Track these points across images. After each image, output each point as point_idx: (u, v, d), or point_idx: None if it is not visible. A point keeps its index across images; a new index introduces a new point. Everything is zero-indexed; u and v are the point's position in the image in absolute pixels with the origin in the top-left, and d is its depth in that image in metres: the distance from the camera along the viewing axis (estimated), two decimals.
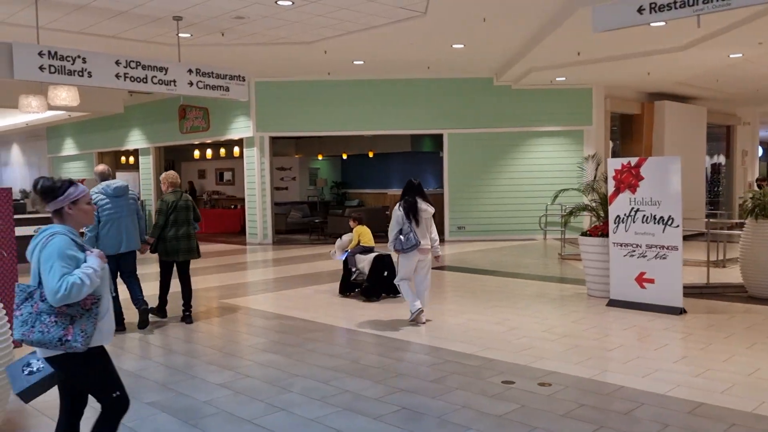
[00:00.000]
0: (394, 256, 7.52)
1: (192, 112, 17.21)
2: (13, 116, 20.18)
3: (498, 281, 9.65)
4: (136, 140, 19.48)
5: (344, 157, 20.12)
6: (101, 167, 7.42)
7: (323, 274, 10.65)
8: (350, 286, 8.61)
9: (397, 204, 6.90)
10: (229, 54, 12.23)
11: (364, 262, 8.36)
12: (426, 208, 6.85)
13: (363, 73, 15.01)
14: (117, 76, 9.18)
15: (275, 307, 8.06)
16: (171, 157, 21.58)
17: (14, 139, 26.33)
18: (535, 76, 14.28)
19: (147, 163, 19.37)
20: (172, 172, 7.64)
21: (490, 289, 8.99)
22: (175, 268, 7.41)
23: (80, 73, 8.86)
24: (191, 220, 7.33)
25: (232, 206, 20.03)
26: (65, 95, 12.05)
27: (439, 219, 17.93)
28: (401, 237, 6.69)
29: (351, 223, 8.86)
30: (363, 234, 8.57)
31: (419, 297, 6.92)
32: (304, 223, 18.68)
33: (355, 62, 13.68)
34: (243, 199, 20.22)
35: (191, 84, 9.95)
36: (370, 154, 19.35)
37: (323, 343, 6.17)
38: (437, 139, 18.45)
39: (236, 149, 18.34)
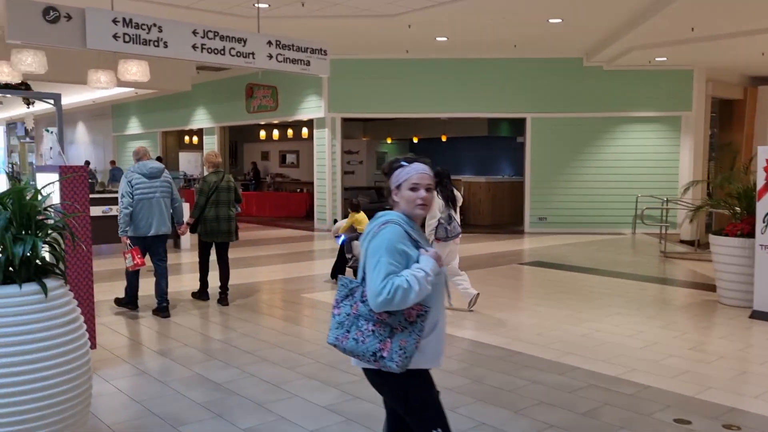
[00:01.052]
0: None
1: (260, 90, 16.55)
2: (79, 93, 19.97)
3: (605, 282, 8.62)
4: (201, 119, 18.98)
5: (415, 140, 19.17)
6: (139, 147, 7.33)
7: None
8: (342, 271, 8.38)
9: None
10: (306, 29, 11.43)
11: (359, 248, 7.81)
12: (458, 196, 6.86)
13: (443, 52, 14.03)
14: (194, 47, 8.46)
15: None
16: (234, 138, 21.07)
17: (80, 117, 26.32)
18: (633, 56, 13.03)
19: (211, 142, 18.85)
20: (212, 152, 7.49)
21: (601, 291, 7.98)
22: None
23: (156, 43, 8.17)
24: (232, 202, 7.18)
25: (298, 190, 19.37)
26: (135, 70, 11.47)
27: (518, 209, 16.95)
28: (446, 226, 6.56)
29: (349, 209, 8.74)
30: (361, 220, 8.45)
31: (452, 277, 6.73)
32: (372, 209, 17.86)
33: (437, 39, 12.70)
34: (307, 183, 19.62)
35: (270, 57, 9.17)
36: (443, 138, 18.34)
37: None
38: (516, 124, 17.37)
39: (304, 130, 17.61)
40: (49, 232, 3.22)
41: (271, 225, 16.29)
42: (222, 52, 8.72)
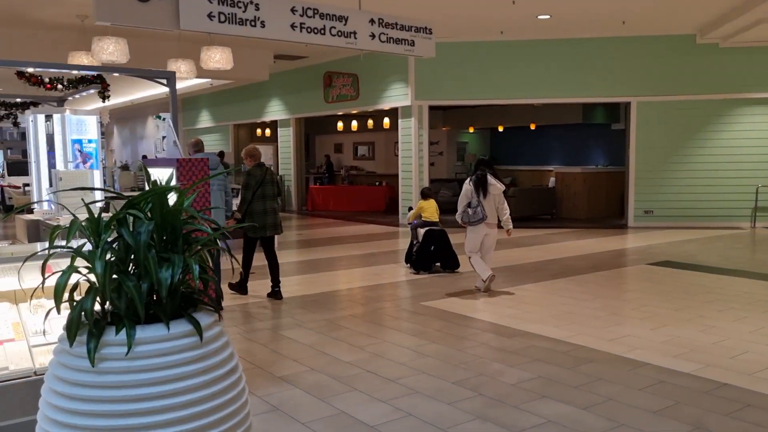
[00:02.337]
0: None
1: (339, 79, 15.74)
2: (153, 87, 19.60)
3: (764, 286, 7.43)
4: (275, 111, 18.32)
5: (500, 129, 18.02)
6: (195, 139, 7.57)
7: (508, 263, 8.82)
8: (410, 256, 8.75)
9: (468, 178, 7.19)
10: (402, 7, 10.50)
11: (421, 235, 8.56)
12: (495, 183, 7.04)
13: (543, 32, 12.89)
14: (293, 26, 7.64)
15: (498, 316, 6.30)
16: (307, 130, 20.37)
17: (150, 111, 26.15)
18: (759, 30, 11.62)
19: (286, 135, 18.19)
20: (252, 146, 7.43)
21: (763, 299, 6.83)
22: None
23: (252, 23, 7.38)
24: (275, 195, 7.18)
25: (377, 183, 18.52)
26: (219, 57, 10.81)
27: (616, 201, 15.69)
28: (469, 210, 6.98)
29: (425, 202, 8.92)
30: (425, 208, 8.69)
31: (488, 264, 7.13)
32: (455, 202, 16.87)
33: (539, 17, 11.58)
34: (384, 176, 18.76)
35: (373, 36, 8.28)
36: (532, 126, 17.14)
37: (576, 372, 4.34)
38: (611, 110, 16.09)
39: (386, 120, 16.71)
40: (198, 248, 2.38)
41: (351, 220, 15.49)
42: (322, 31, 7.88)
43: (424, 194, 8.97)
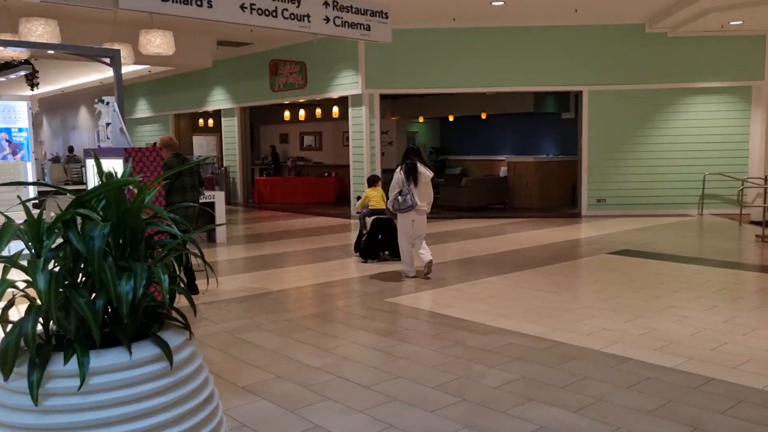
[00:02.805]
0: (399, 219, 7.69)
1: (286, 67, 15.22)
2: (85, 73, 18.60)
3: (724, 274, 7.41)
4: (219, 100, 17.64)
5: (450, 119, 17.81)
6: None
7: (472, 253, 8.61)
8: (359, 245, 8.72)
9: (398, 167, 7.36)
10: None
11: (369, 224, 8.55)
12: (424, 171, 7.26)
13: (496, 19, 12.71)
14: (242, 7, 7.19)
15: (437, 305, 6.03)
16: (251, 120, 19.70)
17: (83, 100, 24.92)
18: (705, 21, 11.74)
19: (231, 125, 17.54)
20: (167, 136, 7.26)
21: (733, 287, 6.79)
22: None
23: (199, 2, 6.91)
24: (196, 186, 6.93)
25: (326, 174, 18.07)
26: (159, 41, 10.13)
27: (567, 190, 15.74)
28: (399, 198, 7.17)
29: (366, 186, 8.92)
30: (372, 196, 8.62)
31: (417, 249, 7.39)
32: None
33: (494, 3, 11.38)
34: (332, 166, 18.33)
35: (327, 20, 7.90)
36: (483, 116, 17.00)
37: (599, 381, 4.12)
38: (562, 99, 16.11)
39: (335, 109, 16.28)
40: (162, 253, 1.97)
41: (301, 213, 15.03)
42: (274, 13, 7.43)
43: (371, 181, 8.89)
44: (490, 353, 4.77)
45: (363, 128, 13.55)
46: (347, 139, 14.50)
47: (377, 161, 13.66)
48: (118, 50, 4.62)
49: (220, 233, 10.49)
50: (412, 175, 7.16)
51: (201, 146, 21.52)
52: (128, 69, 17.54)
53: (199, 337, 5.33)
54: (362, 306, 6.35)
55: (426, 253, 7.32)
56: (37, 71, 15.42)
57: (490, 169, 17.81)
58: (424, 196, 7.27)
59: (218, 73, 17.09)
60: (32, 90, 16.42)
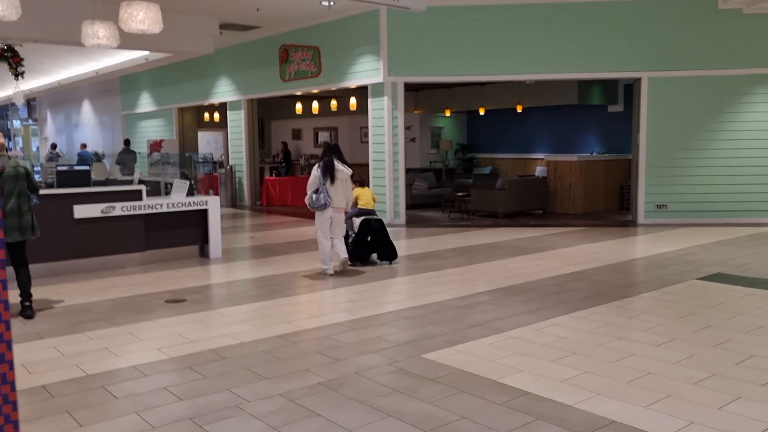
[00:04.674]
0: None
1: (297, 53, 13.44)
2: (80, 63, 16.99)
3: None
4: (224, 92, 15.92)
5: (481, 112, 15.90)
6: None
7: (530, 278, 6.75)
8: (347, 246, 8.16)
9: (316, 164, 7.31)
10: None
11: (356, 225, 8.15)
12: (342, 169, 7.23)
13: None
14: None
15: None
16: (261, 115, 17.96)
17: (85, 94, 23.42)
18: None
19: (237, 119, 15.82)
20: None
21: None
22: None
23: None
24: (25, 191, 5.84)
25: None
26: (143, 15, 8.41)
27: (614, 193, 13.81)
28: (314, 196, 7.16)
29: (353, 185, 8.20)
30: (361, 196, 8.27)
31: (334, 246, 7.36)
32: (431, 195, 14.81)
33: None
34: (349, 165, 16.53)
35: None
36: (519, 109, 15.06)
37: None
38: (608, 90, 14.20)
39: (353, 101, 14.48)
40: None
41: (313, 218, 13.20)
42: None
43: (359, 182, 8.52)
44: None
45: (385, 122, 11.72)
46: (365, 134, 12.70)
47: (400, 159, 11.84)
48: None
49: (215, 246, 8.72)
50: (328, 173, 7.14)
51: (208, 143, 19.86)
52: (124, 57, 15.89)
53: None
54: (396, 370, 4.52)
55: (341, 250, 7.36)
56: (21, 59, 13.80)
57: (524, 169, 15.94)
58: (341, 194, 7.26)
59: (223, 61, 15.41)
60: (17, 79, 14.79)
